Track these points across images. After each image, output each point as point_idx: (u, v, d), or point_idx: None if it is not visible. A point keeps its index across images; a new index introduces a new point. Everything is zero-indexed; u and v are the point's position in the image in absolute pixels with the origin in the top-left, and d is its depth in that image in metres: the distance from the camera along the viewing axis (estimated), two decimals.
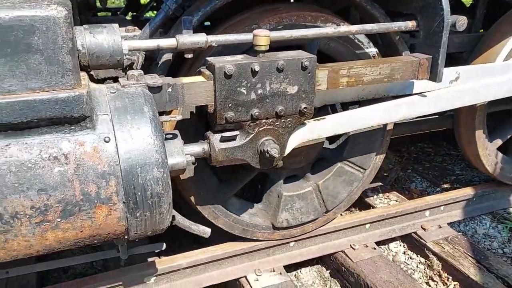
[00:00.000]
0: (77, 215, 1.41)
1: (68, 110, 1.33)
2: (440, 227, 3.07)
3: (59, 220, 1.39)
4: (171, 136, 1.73)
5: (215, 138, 1.81)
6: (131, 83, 1.57)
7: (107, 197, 1.42)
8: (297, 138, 2.06)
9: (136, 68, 1.90)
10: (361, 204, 3.41)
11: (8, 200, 1.32)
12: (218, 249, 2.51)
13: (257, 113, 1.80)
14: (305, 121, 2.02)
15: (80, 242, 1.52)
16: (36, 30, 1.26)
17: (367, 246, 2.83)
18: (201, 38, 1.71)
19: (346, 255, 2.76)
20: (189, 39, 1.70)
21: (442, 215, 3.15)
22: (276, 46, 1.89)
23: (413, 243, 3.02)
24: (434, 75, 2.07)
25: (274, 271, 2.60)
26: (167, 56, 1.92)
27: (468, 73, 2.47)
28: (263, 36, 1.70)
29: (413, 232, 3.02)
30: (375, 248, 2.83)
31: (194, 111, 2.00)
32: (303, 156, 2.50)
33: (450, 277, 2.74)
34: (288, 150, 2.02)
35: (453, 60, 2.98)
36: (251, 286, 2.47)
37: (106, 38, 1.55)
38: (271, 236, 2.57)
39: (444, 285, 2.73)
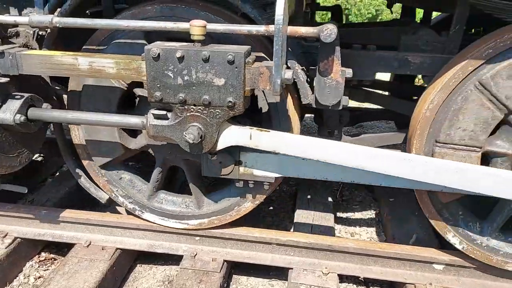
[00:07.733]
0: None
1: None
2: None
3: None
4: (18, 97, 2.09)
5: (150, 114, 2.02)
6: None
7: None
8: (233, 139, 2.03)
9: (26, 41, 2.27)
10: None
11: None
12: None
13: (182, 98, 1.91)
14: (250, 128, 2.01)
15: None
16: None
17: None
18: (45, 18, 1.97)
19: None
20: (37, 18, 1.99)
21: None
22: None
23: None
24: (271, 86, 1.82)
25: None
26: (49, 31, 2.20)
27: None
28: (197, 26, 1.80)
29: None
30: None
31: None
32: None
33: None
34: (221, 144, 2.03)
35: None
36: None
37: None
38: None
39: None
